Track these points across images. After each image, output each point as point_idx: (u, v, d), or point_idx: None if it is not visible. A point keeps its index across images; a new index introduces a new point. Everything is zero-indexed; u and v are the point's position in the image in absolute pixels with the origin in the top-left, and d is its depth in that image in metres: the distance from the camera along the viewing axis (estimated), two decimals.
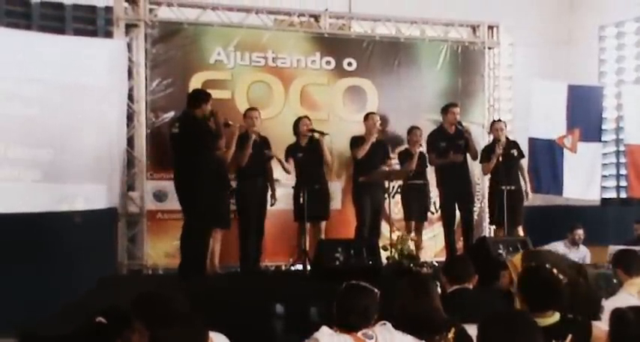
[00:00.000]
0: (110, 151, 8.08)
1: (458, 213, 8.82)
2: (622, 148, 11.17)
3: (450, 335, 3.60)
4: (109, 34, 8.87)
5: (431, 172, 8.91)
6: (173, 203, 7.76)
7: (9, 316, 6.33)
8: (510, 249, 7.25)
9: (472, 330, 3.23)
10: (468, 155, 8.81)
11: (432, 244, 9.29)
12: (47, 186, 7.71)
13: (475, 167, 9.11)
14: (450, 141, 8.72)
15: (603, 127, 10.92)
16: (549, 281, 3.64)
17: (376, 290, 3.56)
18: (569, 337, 3.41)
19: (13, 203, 7.43)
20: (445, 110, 8.84)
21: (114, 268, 8.05)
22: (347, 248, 7.29)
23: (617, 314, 3.25)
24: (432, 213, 9.29)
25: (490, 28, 9.89)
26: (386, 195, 8.39)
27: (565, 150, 10.27)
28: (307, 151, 8.20)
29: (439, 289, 4.34)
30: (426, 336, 3.56)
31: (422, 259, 8.20)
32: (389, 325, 3.47)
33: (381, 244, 7.77)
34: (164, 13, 8.64)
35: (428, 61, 9.60)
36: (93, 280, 7.00)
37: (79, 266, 7.32)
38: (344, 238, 8.17)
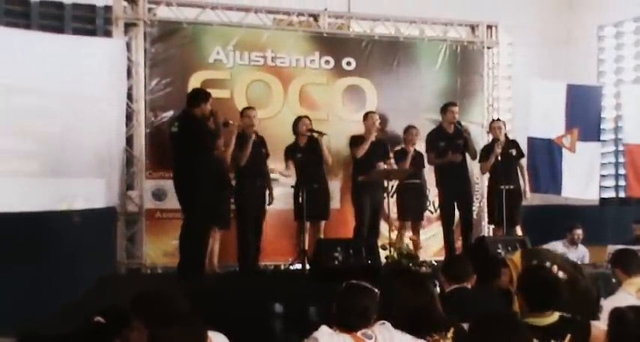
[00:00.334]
0: (109, 150, 8.08)
1: (457, 212, 8.82)
2: (621, 148, 11.18)
3: (449, 334, 3.60)
4: (108, 34, 8.87)
5: (430, 172, 8.92)
6: (172, 202, 7.76)
7: (8, 315, 6.33)
8: (509, 248, 7.27)
9: None
10: (467, 155, 8.81)
11: (431, 244, 9.29)
12: (46, 184, 7.72)
13: (474, 167, 9.11)
14: (449, 140, 8.73)
15: (602, 126, 10.94)
16: (549, 281, 3.65)
17: (375, 290, 3.56)
18: (568, 336, 3.41)
19: (12, 201, 7.43)
20: (444, 110, 8.84)
21: (113, 267, 8.05)
22: (346, 248, 7.30)
23: (617, 314, 3.25)
24: (432, 212, 9.30)
25: (489, 27, 9.89)
26: (385, 194, 8.39)
27: (564, 149, 10.28)
28: (306, 151, 8.19)
29: (438, 289, 4.35)
30: (425, 335, 3.56)
31: (421, 259, 8.19)
32: (388, 324, 3.47)
33: (380, 243, 7.78)
34: (163, 12, 8.63)
35: (427, 60, 9.60)
36: (92, 279, 7.01)
37: (78, 265, 7.33)
38: (343, 238, 8.16)
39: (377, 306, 3.51)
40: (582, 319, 3.56)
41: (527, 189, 8.96)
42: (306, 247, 7.84)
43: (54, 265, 7.22)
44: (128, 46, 8.37)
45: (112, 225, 8.13)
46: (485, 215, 9.42)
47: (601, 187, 11.07)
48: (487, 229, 9.55)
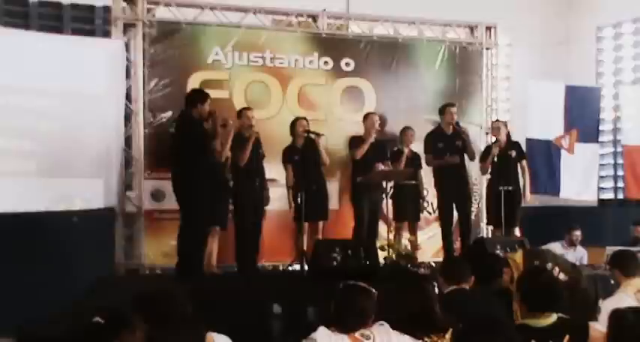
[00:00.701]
0: (108, 150, 8.07)
1: (455, 213, 8.82)
2: (619, 149, 11.20)
3: (447, 336, 3.60)
4: (106, 34, 8.86)
5: (428, 173, 8.92)
6: (171, 203, 7.75)
7: (7, 316, 6.31)
8: (508, 250, 7.27)
9: None
10: (465, 156, 8.81)
11: (430, 245, 9.28)
12: (44, 184, 7.70)
13: (473, 168, 9.11)
14: (447, 141, 8.72)
15: (600, 127, 10.94)
16: (550, 284, 3.65)
17: (374, 290, 3.56)
18: (566, 337, 3.41)
19: (10, 201, 7.42)
20: (442, 110, 8.84)
21: (111, 267, 8.03)
22: (344, 248, 7.30)
23: (617, 315, 3.25)
24: (430, 213, 9.29)
25: (488, 28, 9.89)
26: (383, 195, 8.39)
27: (562, 151, 10.27)
28: (304, 152, 8.18)
29: (436, 290, 4.35)
30: (424, 336, 3.56)
31: (419, 260, 8.20)
32: (386, 325, 3.47)
33: (378, 244, 7.78)
34: (162, 12, 8.63)
35: (426, 61, 9.60)
36: (90, 279, 6.99)
37: (77, 265, 7.30)
38: (341, 239, 8.16)
39: (375, 306, 3.51)
40: (580, 321, 3.56)
41: (528, 191, 8.95)
42: (305, 248, 7.84)
43: (52, 265, 7.20)
44: (127, 46, 8.37)
45: (111, 225, 8.12)
46: (484, 216, 9.42)
47: (599, 188, 11.08)
48: (486, 230, 9.56)
